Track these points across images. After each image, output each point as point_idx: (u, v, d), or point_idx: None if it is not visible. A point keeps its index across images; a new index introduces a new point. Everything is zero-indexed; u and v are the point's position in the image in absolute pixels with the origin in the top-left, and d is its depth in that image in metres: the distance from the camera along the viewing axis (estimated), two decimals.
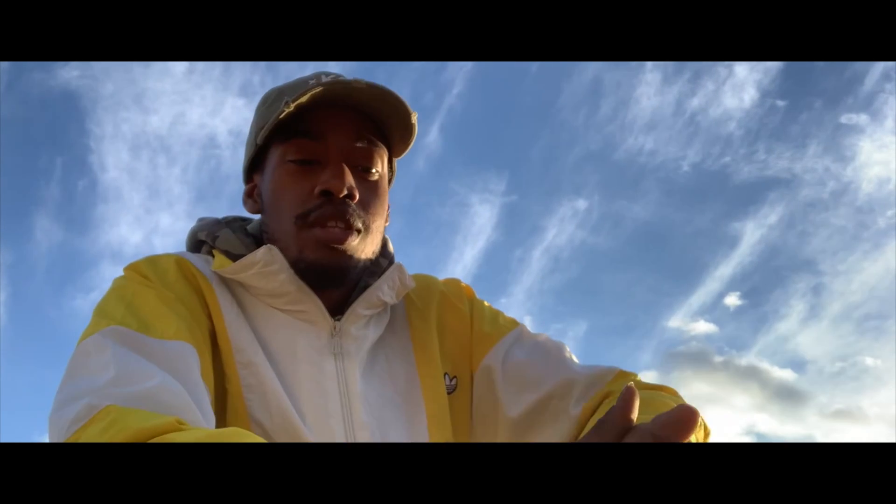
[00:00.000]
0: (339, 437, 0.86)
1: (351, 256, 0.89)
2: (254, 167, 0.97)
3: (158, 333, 0.79)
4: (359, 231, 0.89)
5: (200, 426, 0.70)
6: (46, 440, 0.73)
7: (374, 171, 0.93)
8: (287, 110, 0.85)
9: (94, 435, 0.65)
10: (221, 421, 0.85)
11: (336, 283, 0.91)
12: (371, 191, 0.92)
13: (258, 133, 0.92)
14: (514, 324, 1.04)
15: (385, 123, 0.93)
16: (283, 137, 0.90)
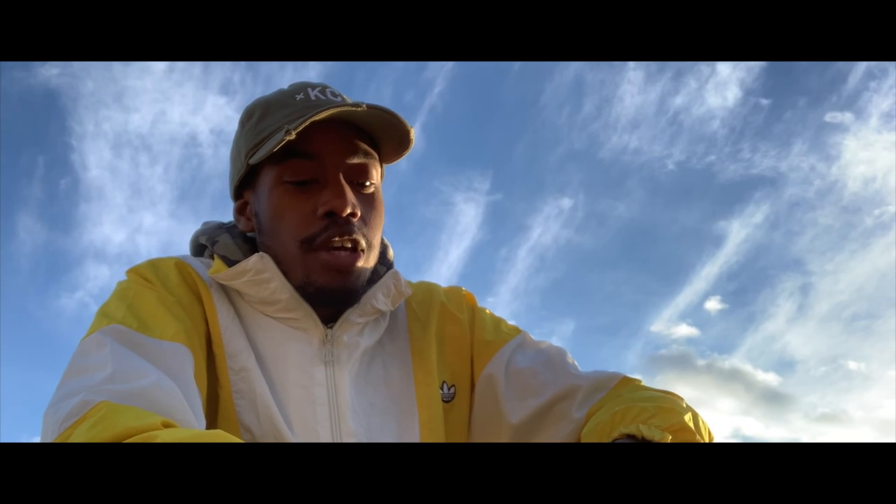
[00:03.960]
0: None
1: (358, 278, 0.89)
2: (243, 184, 0.96)
3: (157, 333, 0.80)
4: (363, 251, 0.89)
5: (192, 426, 0.70)
6: (38, 439, 0.73)
7: (369, 184, 0.92)
8: (288, 138, 0.84)
9: (83, 431, 0.65)
10: (212, 425, 0.85)
11: (343, 304, 0.91)
12: (370, 205, 0.92)
13: (248, 153, 0.92)
14: (516, 331, 1.03)
15: (376, 134, 0.93)
16: (278, 158, 0.89)
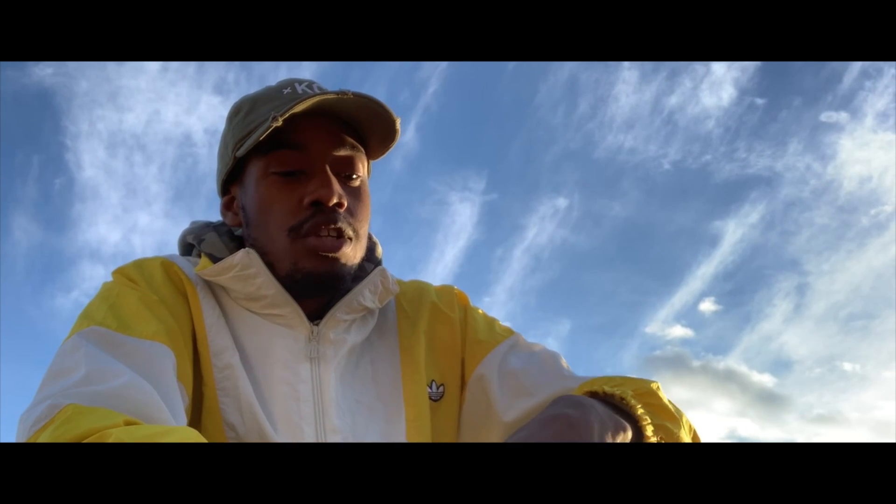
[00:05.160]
0: (309, 441, 0.86)
1: (344, 264, 0.89)
2: (230, 179, 0.97)
3: (137, 332, 0.80)
4: (350, 238, 0.90)
5: (167, 424, 0.70)
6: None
7: (356, 176, 0.93)
8: (275, 125, 0.84)
9: (47, 434, 0.65)
10: (197, 424, 0.85)
11: (330, 291, 0.91)
12: (356, 197, 0.92)
13: (236, 145, 0.92)
14: (509, 332, 1.03)
15: (363, 127, 0.93)
16: (264, 149, 0.89)
